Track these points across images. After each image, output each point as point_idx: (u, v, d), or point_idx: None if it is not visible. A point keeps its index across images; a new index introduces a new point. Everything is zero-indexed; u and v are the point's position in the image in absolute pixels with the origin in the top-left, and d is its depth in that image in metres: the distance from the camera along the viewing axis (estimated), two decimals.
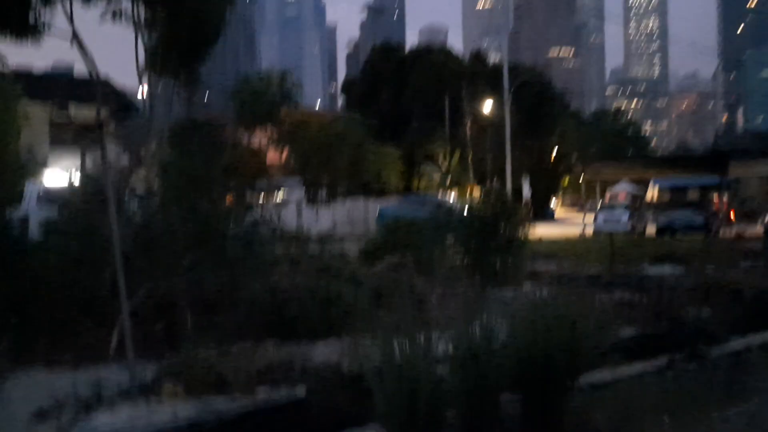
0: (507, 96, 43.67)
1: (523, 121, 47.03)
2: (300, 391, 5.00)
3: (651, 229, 27.57)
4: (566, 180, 55.78)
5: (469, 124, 37.66)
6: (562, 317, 5.05)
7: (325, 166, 33.10)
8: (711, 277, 10.31)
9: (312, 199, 34.32)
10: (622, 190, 57.95)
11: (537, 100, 50.28)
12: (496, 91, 44.85)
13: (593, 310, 7.83)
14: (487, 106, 38.62)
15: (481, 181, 43.59)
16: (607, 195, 56.90)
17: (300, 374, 5.41)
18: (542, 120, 51.11)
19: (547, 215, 49.71)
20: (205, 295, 7.05)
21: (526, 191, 46.39)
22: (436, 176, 32.52)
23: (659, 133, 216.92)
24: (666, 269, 11.99)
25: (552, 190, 53.17)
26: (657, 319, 7.95)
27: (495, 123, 44.05)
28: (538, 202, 51.41)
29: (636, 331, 7.46)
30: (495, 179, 43.30)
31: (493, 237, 10.29)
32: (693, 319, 8.10)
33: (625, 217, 26.97)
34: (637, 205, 33.30)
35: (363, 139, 31.58)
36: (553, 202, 58.82)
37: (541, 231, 32.03)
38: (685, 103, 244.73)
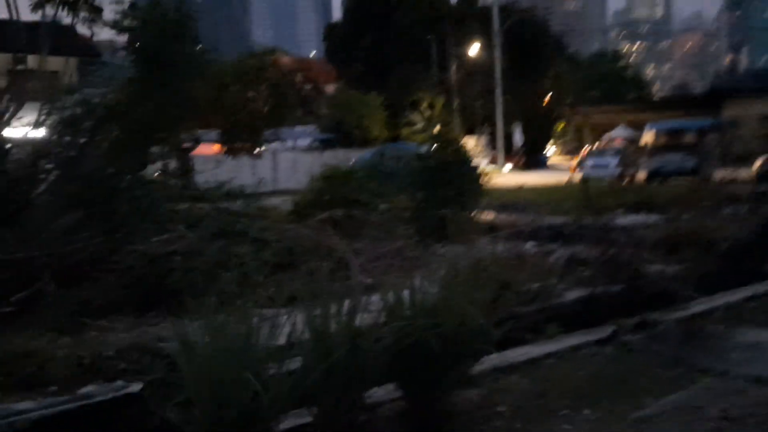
0: (497, 36, 41.97)
1: (515, 65, 45.29)
2: (135, 386, 4.03)
3: (642, 175, 26.41)
4: (561, 126, 54.20)
5: (455, 69, 36.09)
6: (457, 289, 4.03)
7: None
8: (685, 227, 9.24)
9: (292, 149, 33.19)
10: (618, 135, 56.75)
11: (530, 41, 48.39)
12: (486, 33, 43.08)
13: (534, 269, 6.88)
14: (475, 49, 36.97)
15: (470, 129, 42.25)
16: (603, 140, 55.69)
17: (150, 363, 4.43)
18: (536, 63, 49.25)
19: (540, 163, 48.43)
20: (80, 263, 6.04)
21: (518, 138, 45.10)
22: (419, 125, 31.11)
23: (662, 76, 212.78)
24: (640, 218, 10.94)
25: (546, 137, 51.67)
26: (613, 277, 6.94)
27: (485, 67, 42.43)
28: (531, 149, 50.15)
29: (585, 293, 6.48)
30: (485, 126, 42.03)
31: (443, 187, 9.24)
32: (655, 277, 7.09)
33: (613, 162, 25.79)
34: (629, 150, 32.13)
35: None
36: (550, 149, 57.44)
37: (527, 178, 31.04)
38: (689, 44, 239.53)
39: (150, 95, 7.84)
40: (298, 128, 36.24)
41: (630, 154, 31.38)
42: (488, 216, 11.27)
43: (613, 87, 62.78)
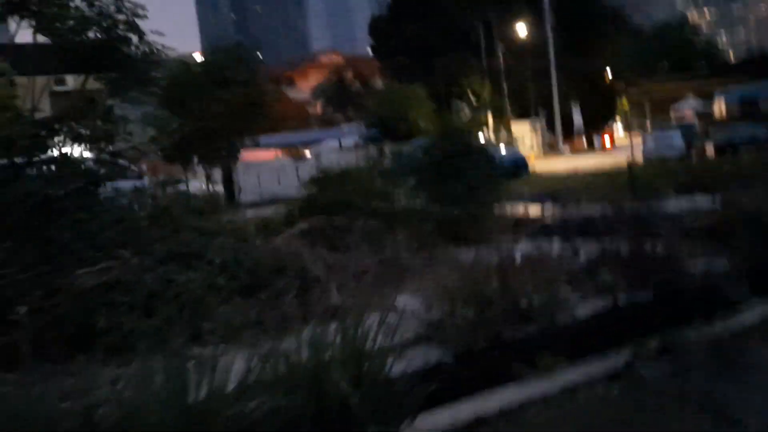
0: (547, 12, 39.98)
1: (568, 42, 43.17)
2: None
3: (710, 149, 24.25)
4: (625, 103, 51.38)
5: (502, 52, 34.49)
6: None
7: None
8: (744, 208, 7.78)
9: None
10: (687, 107, 53.51)
11: (584, 16, 46.06)
12: (535, 11, 41.13)
13: (547, 275, 5.69)
14: (523, 29, 35.22)
15: (523, 114, 40.48)
16: (672, 114, 52.63)
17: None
18: (592, 38, 46.89)
19: (602, 142, 46.01)
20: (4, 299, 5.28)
21: (577, 119, 42.94)
22: (465, 114, 29.69)
23: (736, 43, 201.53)
24: (693, 201, 9.46)
25: (608, 116, 49.06)
26: (644, 281, 5.67)
27: (536, 47, 40.50)
28: (592, 129, 47.75)
29: (604, 305, 5.26)
30: (539, 109, 40.17)
31: (451, 183, 8.11)
32: (697, 276, 5.78)
33: (677, 139, 23.74)
34: (696, 122, 29.79)
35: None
36: (617, 128, 54.52)
37: (585, 162, 29.19)
38: (763, 6, 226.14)
39: None
40: (345, 127, 35.52)
41: (697, 126, 29.15)
42: (516, 210, 10.04)
43: (682, 58, 59.18)
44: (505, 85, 31.00)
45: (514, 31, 36.57)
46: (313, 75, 61.30)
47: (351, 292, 5.83)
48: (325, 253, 6.38)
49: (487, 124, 29.72)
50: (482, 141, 24.42)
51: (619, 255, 6.52)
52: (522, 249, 7.35)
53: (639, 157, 24.59)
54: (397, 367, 3.83)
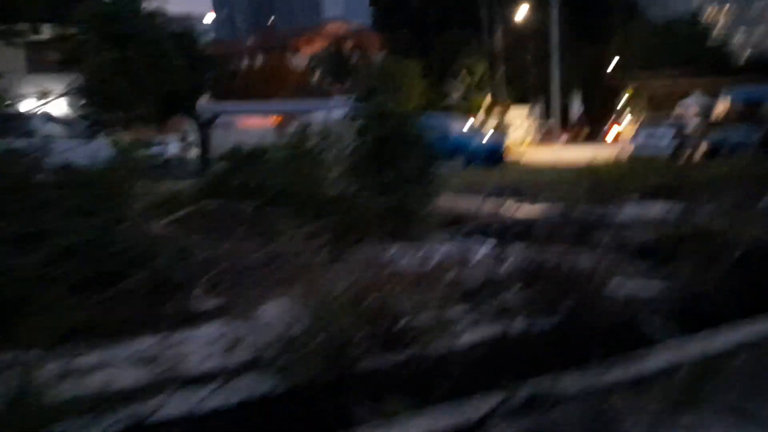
0: None
1: (575, 28, 41.97)
2: None
3: (702, 150, 23.36)
4: (629, 94, 50.18)
5: (502, 33, 33.42)
6: None
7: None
8: (700, 223, 7.00)
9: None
10: (692, 104, 52.29)
11: (594, 3, 44.83)
12: None
13: (446, 290, 4.95)
14: (524, 11, 34.10)
15: (522, 99, 39.45)
16: (677, 110, 51.43)
17: None
18: (600, 26, 45.66)
19: (603, 135, 44.96)
20: None
21: (576, 108, 41.91)
22: (457, 94, 28.72)
23: (756, 43, 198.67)
24: (653, 208, 8.67)
25: (611, 107, 47.96)
26: (556, 303, 4.93)
27: (541, 32, 39.32)
28: (593, 120, 46.74)
29: (495, 333, 4.52)
30: (538, 96, 39.15)
31: (381, 171, 7.33)
32: (621, 304, 5.04)
33: (669, 135, 22.85)
34: (692, 121, 28.85)
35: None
36: (624, 120, 53.30)
37: (575, 153, 28.30)
38: None
39: None
40: (339, 99, 34.56)
41: (694, 124, 28.22)
42: (460, 205, 9.28)
43: (692, 53, 57.72)
44: (503, 68, 29.98)
45: (518, 13, 35.42)
46: (318, 43, 60.05)
47: (222, 292, 5.10)
48: (209, 244, 5.63)
49: (483, 107, 28.79)
50: (468, 124, 23.54)
51: (542, 268, 5.77)
52: (444, 251, 6.62)
53: (628, 153, 23.79)
54: (209, 402, 3.14)
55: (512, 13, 36.14)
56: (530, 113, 38.13)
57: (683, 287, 5.51)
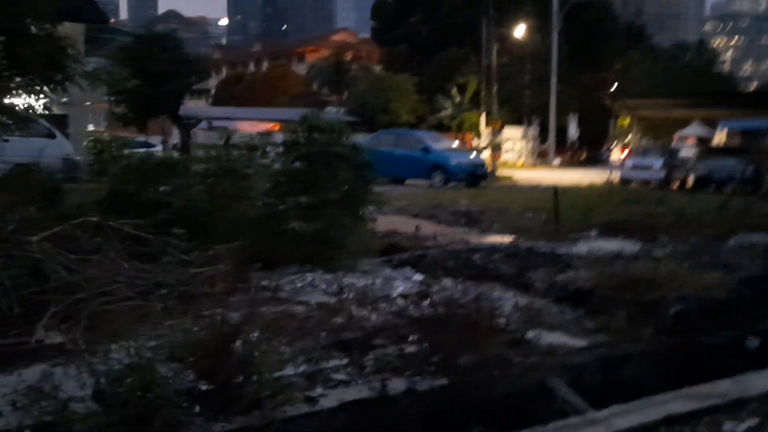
0: (556, 19, 38.29)
1: (576, 52, 41.54)
2: None
3: (691, 181, 22.72)
4: (626, 120, 49.66)
5: (499, 53, 32.85)
6: None
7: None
8: (646, 270, 6.34)
9: None
10: (692, 133, 51.77)
11: (595, 27, 44.42)
12: (544, 16, 39.41)
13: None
14: (521, 31, 33.58)
15: (518, 120, 38.90)
16: (675, 138, 50.91)
17: None
18: (601, 51, 45.23)
19: (600, 159, 44.35)
20: None
21: (573, 131, 41.32)
22: (446, 111, 28.09)
23: (761, 73, 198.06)
24: (608, 246, 8.02)
25: (607, 132, 47.38)
26: (450, 360, 4.27)
27: (540, 54, 38.84)
28: (589, 144, 46.18)
29: (364, 396, 3.85)
30: (533, 117, 38.60)
31: (306, 190, 6.70)
32: (528, 362, 4.39)
33: (658, 164, 22.23)
34: (686, 149, 28.23)
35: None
36: (617, 145, 52.73)
37: (566, 176, 27.65)
38: None
39: None
40: (332, 109, 34.06)
41: (686, 155, 27.60)
42: (405, 229, 8.64)
43: (696, 82, 57.21)
44: (496, 87, 29.42)
45: (516, 32, 34.95)
46: (323, 53, 59.67)
47: (71, 326, 4.46)
48: (78, 267, 4.98)
49: (473, 126, 28.21)
50: (450, 142, 22.93)
51: (453, 315, 5.13)
52: (359, 286, 5.98)
53: (616, 179, 23.17)
54: None
55: (511, 33, 35.65)
56: (525, 134, 37.58)
57: (608, 347, 4.86)
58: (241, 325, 3.98)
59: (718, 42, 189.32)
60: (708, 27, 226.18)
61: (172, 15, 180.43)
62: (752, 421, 3.72)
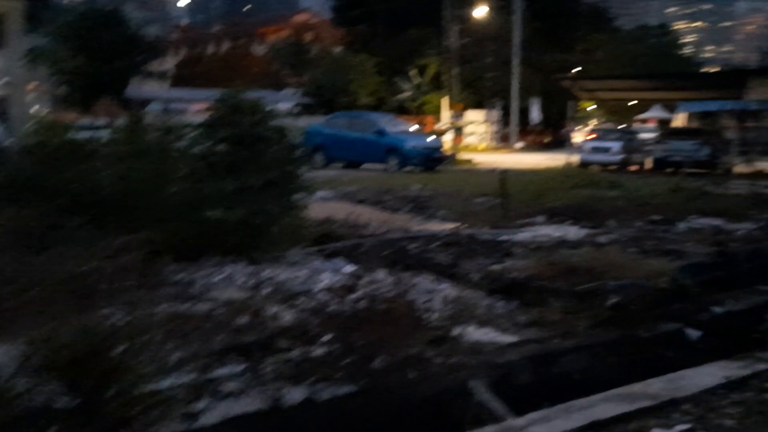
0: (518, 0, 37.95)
1: (538, 34, 41.32)
2: None
3: (649, 163, 22.71)
4: (589, 104, 49.65)
5: (461, 34, 32.45)
6: None
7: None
8: (589, 256, 6.02)
9: None
10: (653, 116, 52.22)
11: (558, 9, 44.25)
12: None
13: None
14: (482, 12, 33.23)
15: (479, 102, 38.62)
16: (637, 121, 51.27)
17: None
18: (563, 33, 45.11)
19: (564, 142, 44.35)
20: None
21: (535, 114, 41.19)
22: (406, 93, 27.58)
23: (721, 58, 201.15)
24: (557, 231, 7.70)
25: (570, 115, 47.38)
26: (364, 363, 3.87)
27: (503, 36, 38.50)
28: (554, 126, 46.18)
29: (257, 408, 3.44)
30: (496, 100, 38.36)
31: (230, 176, 6.22)
32: (453, 363, 4.01)
33: (617, 146, 22.12)
34: (647, 134, 28.28)
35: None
36: (576, 128, 52.77)
37: (527, 159, 27.49)
38: (752, 26, 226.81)
39: None
40: (286, 91, 33.32)
41: (646, 137, 27.62)
42: (344, 216, 8.21)
43: (657, 64, 57.51)
44: (457, 69, 29.04)
45: (477, 12, 34.55)
46: (284, 34, 58.49)
47: None
48: None
49: (434, 108, 27.78)
50: (407, 125, 22.50)
51: (374, 311, 4.74)
52: (282, 279, 5.56)
53: (575, 162, 23.01)
54: None
55: (474, 14, 35.22)
56: (488, 117, 37.30)
57: (540, 342, 4.52)
58: (124, 327, 3.53)
59: (680, 25, 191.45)
60: (671, 10, 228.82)
61: None
62: (683, 426, 3.40)
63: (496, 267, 5.89)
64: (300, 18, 68.32)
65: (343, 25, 42.47)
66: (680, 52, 69.27)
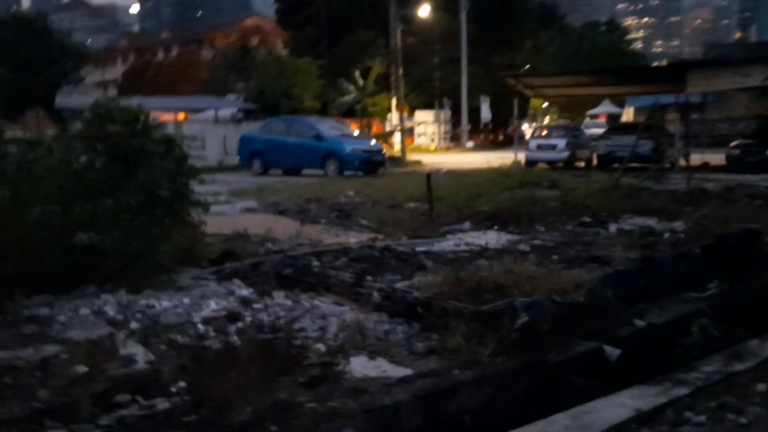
0: None
1: (485, 32, 41.19)
2: None
3: (595, 160, 22.57)
4: (540, 102, 49.82)
5: (407, 35, 32.01)
6: None
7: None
8: (506, 269, 5.52)
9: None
10: (602, 111, 52.54)
11: (504, 7, 44.23)
12: None
13: None
14: (427, 12, 32.90)
15: (428, 104, 38.29)
16: (586, 116, 51.55)
17: None
18: (510, 31, 45.12)
19: (512, 140, 44.33)
20: None
21: (485, 113, 41.08)
22: (347, 97, 26.96)
23: (669, 53, 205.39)
24: (479, 239, 7.20)
25: (522, 113, 47.44)
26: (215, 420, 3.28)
27: (449, 35, 38.22)
28: (505, 125, 46.25)
29: None
30: (443, 100, 38.08)
31: (101, 193, 5.55)
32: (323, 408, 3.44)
33: (562, 143, 21.91)
34: (593, 130, 28.28)
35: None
36: (525, 126, 52.93)
37: (474, 158, 27.16)
38: (698, 21, 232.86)
39: None
40: (229, 96, 32.42)
41: (592, 134, 27.57)
42: (256, 230, 7.59)
43: (605, 60, 58.03)
44: (401, 69, 28.55)
45: (421, 12, 34.18)
46: (234, 39, 57.41)
47: None
48: None
49: (378, 110, 27.26)
50: (351, 129, 21.93)
51: (251, 345, 4.14)
52: (158, 310, 4.92)
53: (520, 161, 22.71)
54: None
55: (420, 14, 34.83)
56: (437, 117, 36.99)
57: (435, 375, 3.98)
58: None
59: (629, 22, 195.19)
60: (620, 7, 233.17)
61: (79, 3, 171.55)
62: None
63: (403, 284, 5.35)
64: (250, 22, 67.32)
65: (289, 28, 41.73)
66: (629, 48, 70.40)
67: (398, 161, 26.30)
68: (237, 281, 5.79)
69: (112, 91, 73.70)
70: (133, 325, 4.58)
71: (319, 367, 3.96)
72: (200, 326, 4.61)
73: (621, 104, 48.12)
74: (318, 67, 30.38)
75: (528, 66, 46.66)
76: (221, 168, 23.45)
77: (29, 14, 24.83)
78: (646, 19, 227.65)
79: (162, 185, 5.70)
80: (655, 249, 6.29)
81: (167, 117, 32.42)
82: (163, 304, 5.04)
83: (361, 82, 26.65)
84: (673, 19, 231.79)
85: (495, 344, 4.28)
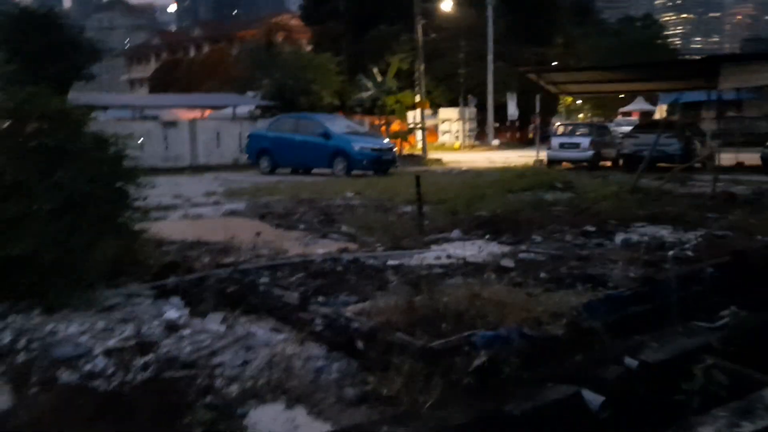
0: None
1: (514, 27, 40.01)
2: None
3: (620, 160, 21.38)
4: (570, 99, 48.33)
5: (432, 30, 31.14)
6: None
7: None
8: (474, 292, 4.68)
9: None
10: (635, 109, 50.85)
11: (535, 1, 42.93)
12: None
13: None
14: (449, 5, 31.94)
15: (453, 100, 37.33)
16: (618, 114, 49.97)
17: None
18: (541, 26, 43.78)
19: (543, 139, 43.08)
20: None
21: (512, 110, 39.90)
22: (365, 93, 26.15)
23: (709, 48, 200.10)
24: (466, 250, 6.36)
25: (551, 110, 46.06)
26: None
27: (476, 30, 37.15)
28: (530, 123, 44.90)
29: None
30: (468, 97, 37.07)
31: (8, 197, 4.88)
32: None
33: (586, 142, 20.81)
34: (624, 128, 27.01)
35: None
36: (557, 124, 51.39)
37: (499, 156, 26.18)
38: (738, 17, 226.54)
39: None
40: (249, 93, 31.92)
41: (621, 132, 26.39)
42: (220, 237, 6.87)
43: (640, 56, 56.19)
44: (422, 65, 27.66)
45: (445, 5, 33.22)
46: (259, 35, 57.16)
47: None
48: None
49: (398, 107, 26.42)
50: (362, 127, 21.15)
51: (150, 387, 3.40)
52: (62, 335, 4.23)
53: (543, 160, 21.67)
54: None
55: (445, 8, 33.85)
56: (461, 114, 35.98)
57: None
58: None
59: (667, 17, 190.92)
60: (659, 2, 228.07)
61: (118, 3, 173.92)
62: None
63: (356, 308, 4.56)
64: (280, 19, 67.06)
65: (313, 23, 41.14)
66: (665, 44, 68.19)
67: (417, 160, 25.45)
68: (175, 299, 5.08)
69: (144, 90, 74.01)
70: (21, 357, 3.89)
71: (216, 420, 3.21)
72: (99, 360, 3.89)
73: (655, 101, 46.51)
74: (338, 63, 29.66)
75: (555, 63, 45.35)
76: (236, 166, 22.95)
77: (38, 8, 24.55)
78: (684, 15, 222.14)
79: (84, 187, 5.00)
80: (661, 266, 5.39)
81: (191, 114, 32.24)
82: (70, 329, 4.34)
83: (379, 78, 25.85)
84: (712, 14, 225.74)
85: (442, 390, 3.48)
